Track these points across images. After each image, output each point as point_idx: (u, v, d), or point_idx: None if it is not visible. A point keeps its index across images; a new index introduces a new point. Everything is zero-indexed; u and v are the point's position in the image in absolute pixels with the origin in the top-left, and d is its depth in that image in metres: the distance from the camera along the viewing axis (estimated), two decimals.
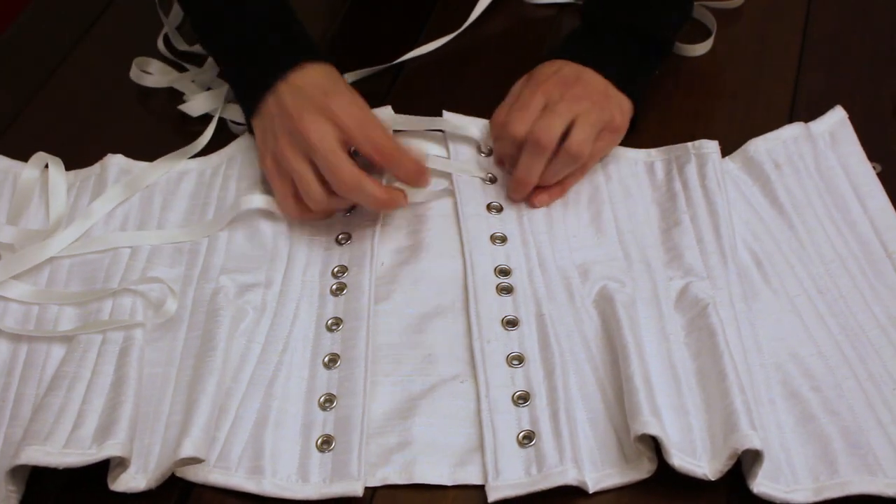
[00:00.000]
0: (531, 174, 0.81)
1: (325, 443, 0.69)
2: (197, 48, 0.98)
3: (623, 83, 0.84)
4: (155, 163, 0.86)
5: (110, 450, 0.65)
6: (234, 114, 0.91)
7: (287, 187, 0.79)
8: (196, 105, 0.92)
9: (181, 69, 0.97)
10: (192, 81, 0.95)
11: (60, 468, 0.65)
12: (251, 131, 0.84)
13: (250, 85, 0.83)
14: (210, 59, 0.96)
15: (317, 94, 0.78)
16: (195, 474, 0.68)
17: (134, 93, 0.95)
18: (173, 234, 0.82)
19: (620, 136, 0.85)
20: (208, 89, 0.94)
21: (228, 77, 0.89)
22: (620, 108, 0.84)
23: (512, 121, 0.81)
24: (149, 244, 0.81)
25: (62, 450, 0.65)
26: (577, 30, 0.90)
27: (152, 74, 0.96)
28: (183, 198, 0.85)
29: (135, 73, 0.96)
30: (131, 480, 0.67)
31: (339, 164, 0.76)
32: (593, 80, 0.83)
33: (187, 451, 0.65)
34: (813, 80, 0.94)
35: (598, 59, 0.84)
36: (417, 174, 0.79)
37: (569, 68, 0.84)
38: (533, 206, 0.82)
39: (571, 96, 0.81)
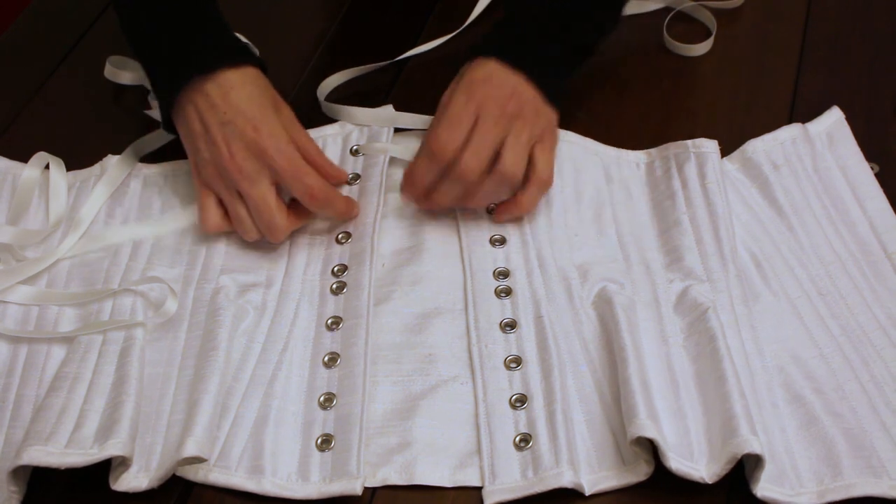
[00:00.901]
0: (447, 202, 0.79)
1: (325, 442, 0.69)
2: None
3: (552, 96, 0.81)
4: (124, 153, 0.87)
5: (112, 449, 0.65)
6: None
7: (214, 207, 0.79)
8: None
9: None
10: None
11: (62, 468, 0.65)
12: (167, 128, 0.82)
13: (166, 86, 0.81)
14: None
15: (246, 128, 0.76)
16: (195, 474, 0.68)
17: (134, 94, 0.95)
18: (173, 223, 0.82)
19: (553, 147, 0.81)
20: None
21: (146, 71, 0.84)
22: (549, 122, 0.81)
23: (440, 140, 0.77)
24: (149, 235, 0.81)
25: (64, 450, 0.65)
26: (512, 19, 0.84)
27: (127, 72, 0.96)
28: (182, 199, 0.84)
29: (109, 72, 0.95)
30: (133, 480, 0.67)
31: (272, 216, 0.77)
32: (525, 93, 0.79)
33: (191, 450, 0.65)
34: (813, 81, 0.94)
35: (532, 67, 0.80)
36: (347, 212, 0.80)
37: (500, 76, 0.79)
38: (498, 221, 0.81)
39: (504, 114, 0.78)
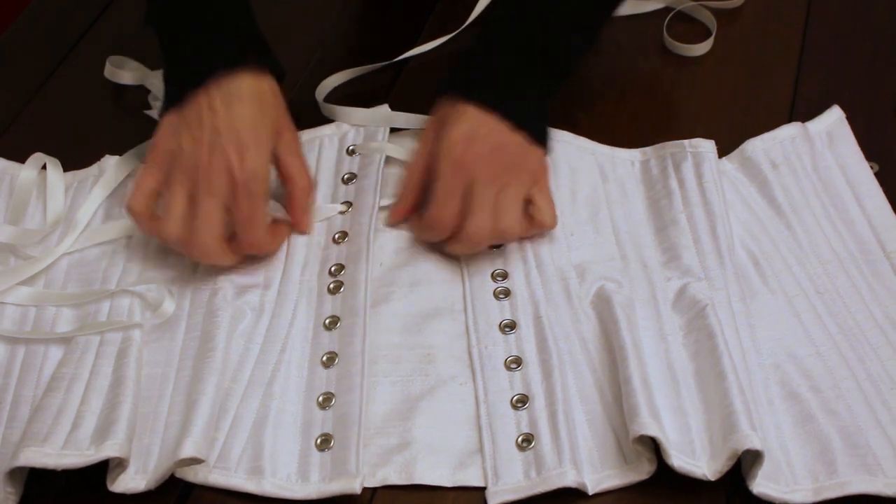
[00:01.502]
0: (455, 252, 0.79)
1: (325, 441, 0.69)
2: None
3: (536, 135, 0.80)
4: (125, 156, 0.86)
5: (108, 450, 0.65)
6: None
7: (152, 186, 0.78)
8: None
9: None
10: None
11: (59, 469, 0.65)
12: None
13: (178, 80, 0.79)
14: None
15: (232, 155, 0.74)
16: (195, 475, 0.68)
17: (134, 94, 0.95)
18: None
19: (548, 186, 0.81)
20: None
21: (163, 55, 0.82)
22: (538, 161, 0.80)
23: (439, 218, 0.78)
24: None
25: (60, 451, 0.65)
26: (487, 52, 0.81)
27: (125, 72, 0.96)
28: None
29: (109, 72, 0.95)
30: (130, 481, 0.67)
31: (207, 230, 0.74)
32: (509, 143, 0.78)
33: (188, 451, 0.65)
34: (813, 80, 0.94)
35: (512, 111, 0.78)
36: (261, 247, 0.78)
37: (482, 130, 0.77)
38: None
39: (494, 174, 0.77)
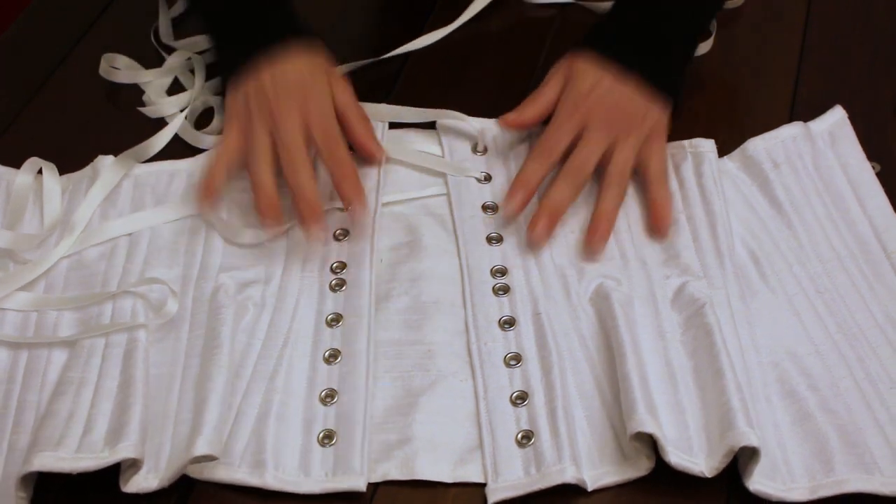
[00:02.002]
0: (563, 200, 0.80)
1: (327, 437, 0.69)
2: (181, 43, 0.98)
3: (665, 86, 0.83)
4: (119, 158, 0.86)
5: (123, 452, 0.65)
6: (191, 135, 0.90)
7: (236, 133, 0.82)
8: (155, 109, 0.92)
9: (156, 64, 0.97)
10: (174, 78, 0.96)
11: (74, 473, 0.65)
12: (223, 91, 0.86)
13: (232, 52, 0.85)
14: (168, 60, 0.96)
15: (295, 90, 0.81)
16: (200, 471, 0.67)
17: (133, 96, 0.95)
18: (171, 213, 0.82)
19: (661, 144, 0.83)
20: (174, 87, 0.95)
21: (212, 35, 0.90)
22: (658, 119, 0.83)
23: (550, 140, 0.81)
24: (146, 226, 0.81)
25: (75, 455, 0.65)
26: (619, 10, 0.88)
27: (120, 70, 0.96)
28: (175, 198, 0.84)
29: (104, 69, 0.95)
30: (143, 481, 0.67)
31: (298, 167, 0.78)
32: (635, 95, 0.82)
33: (201, 449, 0.65)
34: (813, 80, 0.94)
35: (642, 61, 0.83)
36: (352, 196, 0.80)
37: (607, 81, 0.82)
38: (595, 251, 0.79)
39: (610, 120, 0.81)
